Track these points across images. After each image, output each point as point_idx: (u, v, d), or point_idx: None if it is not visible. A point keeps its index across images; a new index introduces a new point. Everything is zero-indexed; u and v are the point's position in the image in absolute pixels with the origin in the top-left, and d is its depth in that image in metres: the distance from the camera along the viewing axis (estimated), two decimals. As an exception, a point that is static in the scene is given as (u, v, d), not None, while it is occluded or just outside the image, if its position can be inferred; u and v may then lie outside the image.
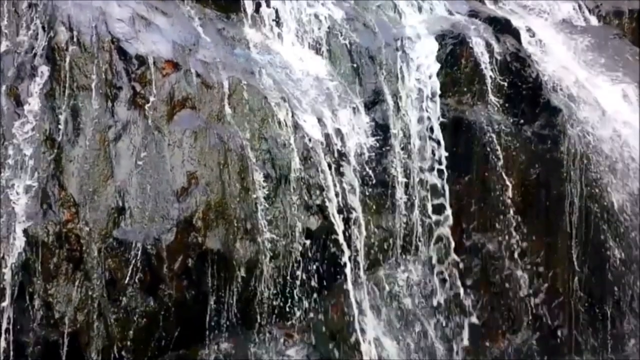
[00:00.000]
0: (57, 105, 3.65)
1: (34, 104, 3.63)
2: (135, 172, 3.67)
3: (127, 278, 3.62)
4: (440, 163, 4.11)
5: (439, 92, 4.16)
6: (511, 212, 4.30)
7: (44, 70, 3.66)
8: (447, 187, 4.11)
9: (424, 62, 4.16)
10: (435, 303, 4.09)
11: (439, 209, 4.11)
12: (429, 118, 4.13)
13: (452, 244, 4.12)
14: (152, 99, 3.72)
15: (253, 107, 3.83)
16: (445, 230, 4.11)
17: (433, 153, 4.11)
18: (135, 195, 3.65)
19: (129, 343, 3.64)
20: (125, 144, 3.68)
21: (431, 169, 4.11)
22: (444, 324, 4.10)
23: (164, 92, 3.74)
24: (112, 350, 3.62)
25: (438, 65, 4.17)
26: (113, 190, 3.64)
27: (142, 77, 3.72)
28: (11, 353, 3.52)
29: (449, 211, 4.11)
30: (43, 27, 3.71)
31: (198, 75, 3.79)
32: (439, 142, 4.13)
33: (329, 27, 4.11)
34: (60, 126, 3.63)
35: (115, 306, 3.62)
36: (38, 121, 3.63)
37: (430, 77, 4.15)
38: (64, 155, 3.63)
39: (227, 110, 3.79)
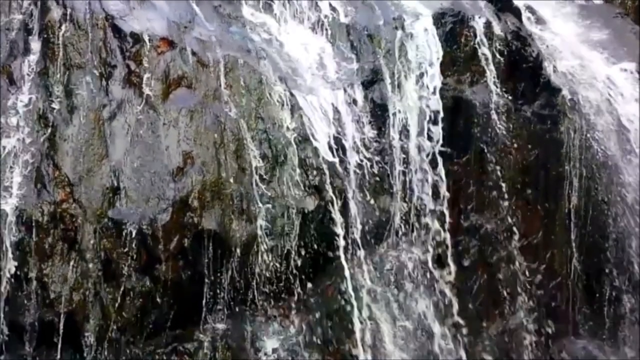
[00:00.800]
0: (51, 83, 3.62)
1: (27, 82, 3.60)
2: (130, 151, 3.65)
3: (123, 258, 3.60)
4: (438, 143, 4.07)
5: (438, 71, 4.12)
6: (509, 192, 4.28)
7: (37, 48, 3.63)
8: (445, 168, 4.08)
9: (423, 40, 4.11)
10: (432, 284, 4.07)
11: (436, 190, 4.09)
12: (427, 98, 4.09)
13: (450, 225, 4.10)
14: (147, 77, 3.69)
15: (250, 86, 3.80)
16: (442, 211, 4.08)
17: (431, 133, 4.08)
18: (131, 175, 3.63)
19: (124, 323, 3.64)
20: (119, 123, 3.66)
21: (429, 149, 4.07)
22: (440, 305, 4.08)
23: (159, 70, 3.71)
24: (108, 330, 3.63)
25: (437, 44, 4.13)
26: (108, 170, 3.63)
27: (136, 55, 3.70)
28: (6, 333, 3.51)
29: (446, 192, 4.08)
30: (36, 4, 3.67)
31: (194, 53, 3.76)
32: (437, 122, 4.09)
33: (327, 5, 4.07)
34: (54, 105, 3.61)
35: (111, 286, 3.62)
36: (31, 100, 3.59)
37: (429, 56, 4.11)
38: (58, 134, 3.60)
39: (223, 89, 3.76)
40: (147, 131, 3.67)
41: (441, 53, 4.15)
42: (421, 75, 4.09)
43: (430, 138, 4.09)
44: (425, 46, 4.11)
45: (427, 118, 4.08)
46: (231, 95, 3.77)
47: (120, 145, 3.64)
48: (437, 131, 4.09)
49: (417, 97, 4.09)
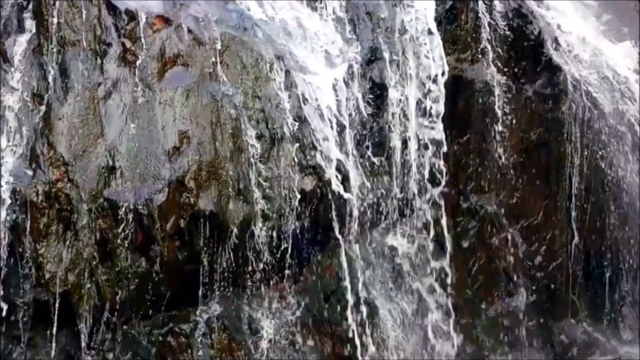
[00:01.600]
0: (45, 61, 3.58)
1: (20, 59, 3.56)
2: (126, 130, 3.61)
3: (118, 238, 3.57)
4: (438, 123, 4.03)
5: (438, 49, 4.07)
6: (510, 173, 4.25)
7: (31, 25, 3.58)
8: (445, 148, 4.04)
9: (422, 18, 4.06)
10: (430, 265, 4.05)
11: (436, 170, 4.05)
12: (427, 76, 4.05)
13: (449, 206, 4.07)
14: (142, 55, 3.65)
15: (246, 65, 3.76)
16: (441, 192, 4.05)
17: (431, 112, 4.03)
18: (126, 155, 3.60)
19: (120, 303, 3.62)
20: (115, 102, 3.62)
21: (429, 129, 4.03)
22: (438, 286, 4.06)
23: (154, 48, 3.67)
24: (103, 311, 3.61)
25: (436, 22, 4.08)
26: (103, 149, 3.59)
27: (131, 32, 3.65)
28: (2, 313, 3.49)
29: (446, 172, 4.05)
30: (29, -20, 3.63)
31: (189, 31, 3.71)
32: (437, 101, 4.05)
33: (325, -18, 4.02)
34: (48, 83, 3.57)
35: (106, 266, 3.60)
36: (25, 78, 3.55)
37: (429, 34, 4.06)
38: (53, 113, 3.57)
39: (220, 67, 3.72)
40: (143, 110, 3.63)
41: (441, 31, 4.10)
42: (420, 53, 4.04)
43: (429, 118, 4.05)
44: (425, 24, 4.06)
45: (427, 97, 4.04)
46: (228, 74, 3.72)
47: (115, 124, 3.61)
48: (437, 111, 4.04)
49: (416, 76, 4.04)
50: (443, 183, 4.03)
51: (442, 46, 4.06)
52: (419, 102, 4.03)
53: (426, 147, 4.05)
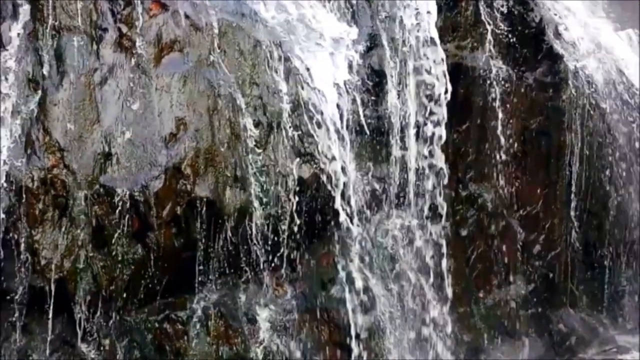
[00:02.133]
0: (40, 46, 3.56)
1: (15, 45, 3.54)
2: (122, 117, 3.59)
3: (114, 225, 3.56)
4: (437, 111, 4.01)
5: (437, 36, 4.04)
6: (509, 162, 4.24)
7: (26, 9, 3.55)
8: (444, 136, 4.01)
9: (422, 5, 4.03)
10: (428, 253, 4.03)
11: (435, 158, 4.03)
12: (426, 64, 4.02)
13: (448, 195, 4.05)
14: (138, 41, 3.62)
15: (244, 51, 3.74)
16: (440, 180, 4.03)
17: (430, 100, 4.01)
18: (122, 141, 3.58)
19: (116, 290, 3.61)
20: (111, 88, 3.60)
21: (428, 117, 4.01)
22: (436, 274, 4.04)
23: (151, 34, 3.65)
24: (99, 298, 3.60)
25: (436, 8, 4.05)
26: (99, 136, 3.57)
27: (128, 18, 3.63)
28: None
29: (445, 160, 4.02)
30: (24, -35, 3.61)
31: (187, 16, 3.69)
32: (436, 89, 4.02)
33: (324, -32, 3.99)
34: (43, 68, 3.55)
35: (102, 253, 3.58)
36: (20, 63, 3.53)
37: (428, 21, 4.03)
38: (48, 99, 3.55)
39: (217, 53, 3.69)
40: (139, 96, 3.61)
41: (441, 18, 4.07)
42: (420, 41, 4.01)
43: (428, 106, 4.02)
44: (424, 11, 4.02)
45: (426, 85, 4.01)
46: (225, 60, 3.70)
47: (111, 110, 3.59)
48: (437, 99, 4.02)
49: (415, 64, 4.01)
50: (445, 172, 4.01)
51: (441, 33, 4.04)
52: (417, 90, 4.01)
53: (425, 136, 4.03)
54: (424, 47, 4.00)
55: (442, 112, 3.96)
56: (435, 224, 4.03)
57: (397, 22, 3.99)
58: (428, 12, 3.97)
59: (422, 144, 4.02)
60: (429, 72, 4.00)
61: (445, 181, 4.00)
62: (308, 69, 3.80)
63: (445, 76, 3.96)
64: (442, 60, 3.97)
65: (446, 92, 3.96)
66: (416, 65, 3.99)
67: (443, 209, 4.00)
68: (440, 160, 4.00)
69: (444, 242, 4.00)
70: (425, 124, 3.99)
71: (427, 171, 4.01)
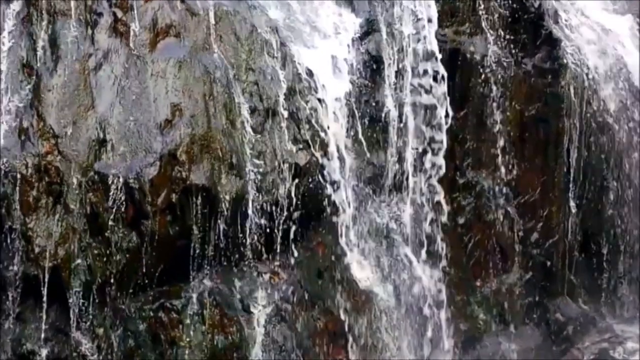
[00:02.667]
0: (34, 31, 3.53)
1: (9, 29, 3.50)
2: (117, 103, 3.56)
3: (109, 212, 3.53)
4: (435, 97, 3.98)
5: (436, 22, 4.00)
6: (507, 148, 4.21)
7: (20, -6, 3.53)
8: (442, 123, 3.99)
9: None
10: (425, 241, 4.01)
11: (432, 145, 4.00)
12: (424, 50, 3.99)
13: (445, 182, 4.03)
14: (133, 26, 3.59)
15: (240, 37, 3.70)
16: (438, 168, 4.01)
17: (428, 86, 3.98)
18: (117, 127, 3.55)
19: (110, 279, 3.59)
20: (106, 74, 3.57)
21: (425, 103, 3.98)
22: (432, 262, 4.03)
23: (146, 18, 3.61)
24: (93, 286, 3.58)
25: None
26: (94, 122, 3.55)
27: (123, 2, 3.60)
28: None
29: (442, 147, 4.00)
30: (17, -53, 3.56)
31: (182, 1, 3.65)
32: (434, 75, 3.99)
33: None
34: (38, 53, 3.51)
35: (96, 241, 3.56)
36: (14, 48, 3.49)
37: (427, 5, 3.99)
38: (42, 84, 3.52)
39: (213, 39, 3.66)
40: (134, 82, 3.58)
41: (439, 3, 4.03)
42: (418, 26, 3.98)
43: (426, 92, 4.00)
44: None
45: (424, 71, 3.98)
46: (221, 46, 3.66)
47: (106, 96, 3.56)
48: (435, 85, 3.99)
49: (413, 50, 3.98)
50: (442, 158, 3.98)
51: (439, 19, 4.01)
52: (415, 76, 3.97)
53: (423, 122, 4.00)
54: (422, 33, 3.98)
55: (441, 91, 3.93)
56: (432, 210, 4.02)
57: (395, 7, 3.95)
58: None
59: (418, 129, 4.00)
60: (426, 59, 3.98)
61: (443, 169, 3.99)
62: (305, 56, 3.77)
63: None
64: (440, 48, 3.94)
65: (443, 78, 3.93)
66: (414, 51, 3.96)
67: (440, 195, 3.99)
68: (438, 147, 3.98)
69: (442, 234, 3.99)
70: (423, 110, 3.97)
71: (425, 160, 3.99)
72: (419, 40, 3.97)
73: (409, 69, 3.96)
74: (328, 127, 3.77)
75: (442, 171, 3.97)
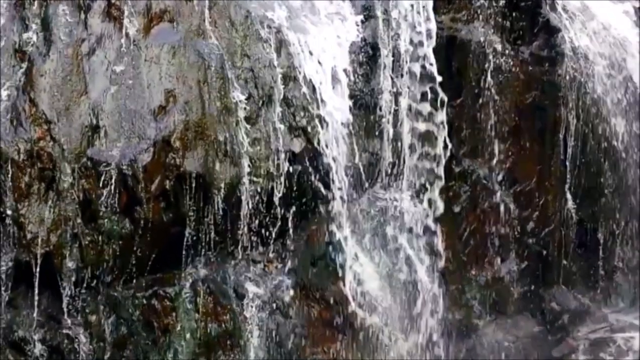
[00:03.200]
0: (27, 15, 3.50)
1: (1, 14, 3.47)
2: (110, 88, 3.53)
3: (102, 199, 3.51)
4: (431, 85, 3.95)
5: (432, 8, 3.98)
6: (504, 137, 4.19)
7: (12, -23, 3.50)
8: (438, 110, 3.96)
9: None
10: (420, 230, 3.99)
11: (428, 133, 3.98)
12: (420, 36, 3.96)
13: (441, 170, 4.01)
14: (127, 11, 3.55)
15: (235, 22, 3.68)
16: (434, 155, 3.99)
17: (424, 74, 3.95)
18: (110, 113, 3.53)
19: (103, 266, 3.58)
20: (99, 59, 3.55)
21: (421, 90, 3.96)
22: (428, 252, 4.01)
23: (140, 3, 3.59)
24: (86, 273, 3.57)
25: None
26: (87, 107, 3.52)
27: (117, -14, 3.57)
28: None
29: (439, 135, 3.98)
30: None
31: (177, -14, 3.63)
32: (431, 63, 3.96)
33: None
34: (30, 38, 3.48)
35: (89, 228, 3.55)
36: (7, 32, 3.46)
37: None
38: (35, 69, 3.49)
39: (208, 24, 3.63)
40: (128, 68, 3.55)
41: None
42: (414, 13, 3.95)
43: (422, 80, 3.97)
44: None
45: (420, 58, 3.95)
46: (215, 31, 3.63)
47: (99, 81, 3.53)
48: (431, 72, 3.96)
49: (409, 36, 3.95)
50: (438, 147, 3.96)
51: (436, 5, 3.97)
52: (412, 63, 3.95)
53: (419, 110, 3.98)
54: (418, 19, 3.95)
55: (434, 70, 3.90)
56: (428, 200, 4.00)
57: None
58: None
59: (414, 117, 3.97)
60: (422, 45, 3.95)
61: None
62: (301, 41, 3.74)
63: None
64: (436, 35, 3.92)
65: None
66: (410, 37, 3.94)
67: (435, 183, 3.97)
68: (434, 135, 3.96)
69: (437, 223, 3.97)
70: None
71: (420, 148, 3.97)
72: (414, 28, 3.95)
73: (406, 55, 3.94)
74: (323, 115, 3.74)
75: (438, 157, 3.96)
